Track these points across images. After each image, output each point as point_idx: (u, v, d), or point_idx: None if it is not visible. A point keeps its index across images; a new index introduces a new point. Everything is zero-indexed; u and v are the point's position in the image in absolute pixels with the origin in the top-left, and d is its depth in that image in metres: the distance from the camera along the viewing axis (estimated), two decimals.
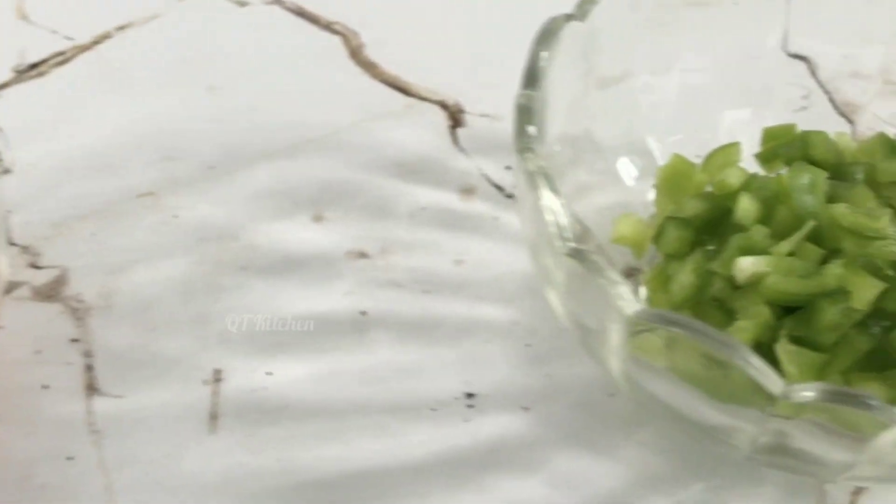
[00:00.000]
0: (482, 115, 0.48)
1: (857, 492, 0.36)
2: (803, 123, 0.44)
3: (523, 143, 0.33)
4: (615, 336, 0.30)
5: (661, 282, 0.38)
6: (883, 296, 0.36)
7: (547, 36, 0.35)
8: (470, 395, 0.39)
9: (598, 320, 0.30)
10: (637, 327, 0.29)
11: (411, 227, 0.44)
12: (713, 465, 0.37)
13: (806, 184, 0.36)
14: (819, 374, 0.34)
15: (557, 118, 0.38)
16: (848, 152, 0.41)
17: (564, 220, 0.30)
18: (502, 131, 0.42)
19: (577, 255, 0.30)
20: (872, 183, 0.40)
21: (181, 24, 0.51)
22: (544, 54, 0.35)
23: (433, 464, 0.37)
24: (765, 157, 0.41)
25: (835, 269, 0.34)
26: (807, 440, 0.29)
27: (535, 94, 0.34)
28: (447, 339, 0.40)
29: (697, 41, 0.44)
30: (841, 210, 0.35)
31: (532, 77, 0.34)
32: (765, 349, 0.34)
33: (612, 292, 0.29)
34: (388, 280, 0.42)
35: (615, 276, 0.29)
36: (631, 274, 0.41)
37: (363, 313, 0.41)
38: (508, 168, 0.45)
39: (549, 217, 0.31)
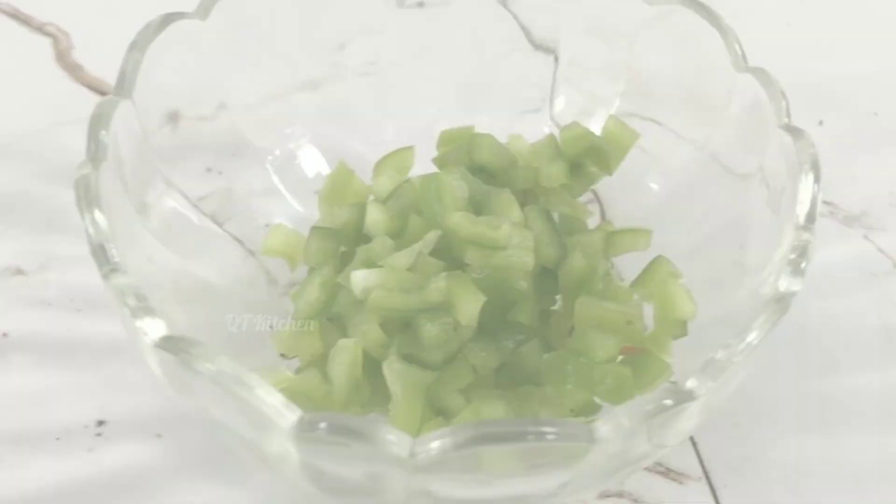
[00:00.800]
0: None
1: None
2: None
3: (91, 152, 0.30)
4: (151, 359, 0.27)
5: None
6: (515, 309, 0.34)
7: (143, 39, 0.33)
8: (101, 423, 0.36)
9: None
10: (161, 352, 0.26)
11: (79, 241, 0.41)
12: None
13: (434, 192, 0.34)
14: (428, 393, 0.32)
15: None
16: (521, 155, 0.39)
17: (101, 235, 0.28)
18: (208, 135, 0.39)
19: (110, 274, 0.27)
20: (537, 188, 0.38)
21: None
22: (134, 56, 0.32)
23: (48, 498, 0.34)
24: (441, 162, 0.39)
25: (438, 283, 0.31)
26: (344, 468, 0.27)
27: (116, 101, 0.31)
28: (90, 361, 0.37)
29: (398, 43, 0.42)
30: (457, 220, 0.32)
31: (120, 82, 0.32)
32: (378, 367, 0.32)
33: (132, 318, 0.27)
34: (40, 298, 0.39)
35: (134, 300, 0.27)
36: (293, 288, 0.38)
37: (4, 335, 0.38)
38: (209, 171, 0.42)
39: (89, 231, 0.28)
